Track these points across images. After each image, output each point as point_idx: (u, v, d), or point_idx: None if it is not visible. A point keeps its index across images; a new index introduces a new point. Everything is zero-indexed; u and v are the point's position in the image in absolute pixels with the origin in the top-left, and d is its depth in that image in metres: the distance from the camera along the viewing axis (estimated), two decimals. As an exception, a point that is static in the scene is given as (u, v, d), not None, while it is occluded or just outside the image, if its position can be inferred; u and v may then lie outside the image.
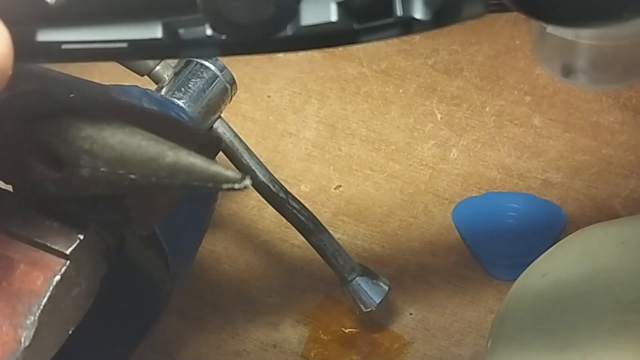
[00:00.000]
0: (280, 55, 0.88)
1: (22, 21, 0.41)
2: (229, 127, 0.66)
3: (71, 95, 0.58)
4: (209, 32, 0.41)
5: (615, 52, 0.83)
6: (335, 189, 0.79)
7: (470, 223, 0.75)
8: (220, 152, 0.63)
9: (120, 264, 0.57)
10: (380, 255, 0.75)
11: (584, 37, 0.80)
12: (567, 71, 0.84)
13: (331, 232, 0.67)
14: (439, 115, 0.82)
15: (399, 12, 0.42)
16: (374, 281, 0.67)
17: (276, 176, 0.66)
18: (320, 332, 0.71)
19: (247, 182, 0.44)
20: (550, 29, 0.80)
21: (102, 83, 0.61)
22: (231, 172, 0.44)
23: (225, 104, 0.66)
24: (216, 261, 0.75)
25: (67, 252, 0.51)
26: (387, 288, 0.68)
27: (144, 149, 0.46)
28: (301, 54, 0.88)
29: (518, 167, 0.79)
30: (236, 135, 0.66)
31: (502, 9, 0.83)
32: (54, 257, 0.51)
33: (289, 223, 0.66)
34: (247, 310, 0.72)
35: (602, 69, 0.84)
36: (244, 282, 0.74)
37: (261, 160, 0.66)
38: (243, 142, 0.66)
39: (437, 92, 0.81)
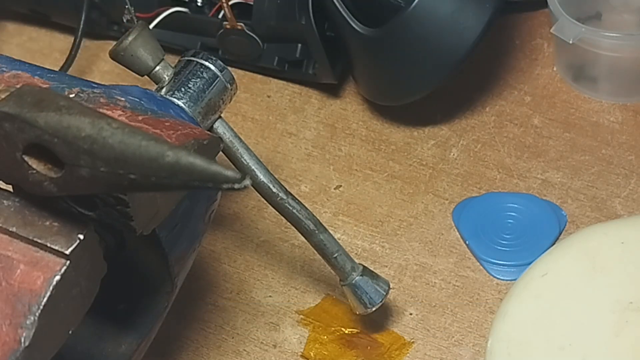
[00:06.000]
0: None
1: None
2: (229, 127, 0.66)
3: (71, 95, 0.59)
4: None
5: (633, 65, 0.82)
6: (335, 189, 0.79)
7: (470, 223, 0.75)
8: (220, 152, 0.63)
9: (120, 264, 0.57)
10: (380, 255, 0.75)
11: (601, 48, 0.80)
12: (577, 76, 0.83)
13: (331, 232, 0.67)
14: (439, 115, 0.82)
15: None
16: (374, 281, 0.67)
17: (276, 176, 0.66)
18: (320, 332, 0.71)
19: (247, 182, 0.44)
20: (554, 29, 0.80)
21: (102, 83, 0.61)
22: (231, 172, 0.44)
23: (225, 104, 0.66)
24: (216, 261, 0.75)
25: (67, 252, 0.51)
26: (387, 288, 0.68)
27: (144, 149, 0.46)
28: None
29: (518, 167, 0.79)
30: (236, 135, 0.66)
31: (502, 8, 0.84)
32: (54, 257, 0.51)
33: (289, 223, 0.66)
34: (247, 310, 0.72)
35: (613, 81, 0.83)
36: (243, 282, 0.74)
37: (261, 160, 0.66)
38: (243, 142, 0.66)
39: (437, 92, 0.81)
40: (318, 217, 0.66)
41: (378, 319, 0.71)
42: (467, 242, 0.75)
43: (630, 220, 0.70)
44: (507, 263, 0.73)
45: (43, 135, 0.48)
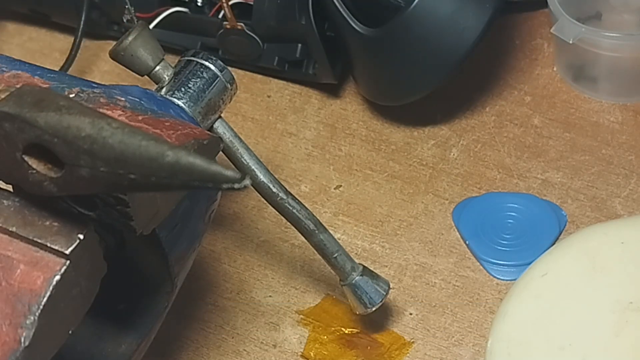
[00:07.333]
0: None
1: None
2: (229, 127, 0.66)
3: (71, 95, 0.59)
4: None
5: (633, 65, 0.82)
6: (335, 189, 0.79)
7: (470, 223, 0.75)
8: (220, 152, 0.63)
9: (120, 264, 0.57)
10: (380, 255, 0.75)
11: (601, 48, 0.80)
12: (577, 76, 0.83)
13: (331, 232, 0.67)
14: (439, 115, 0.82)
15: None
16: (374, 281, 0.67)
17: (276, 176, 0.66)
18: (320, 332, 0.71)
19: (247, 182, 0.44)
20: (554, 29, 0.80)
21: (102, 83, 0.61)
22: (231, 172, 0.44)
23: (226, 104, 0.66)
24: (216, 261, 0.75)
25: (67, 252, 0.51)
26: (387, 288, 0.68)
27: (144, 149, 0.46)
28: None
29: (518, 167, 0.79)
30: (236, 135, 0.66)
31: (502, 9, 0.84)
32: (54, 257, 0.51)
33: (289, 223, 0.66)
34: (247, 310, 0.72)
35: (613, 81, 0.83)
36: (243, 282, 0.74)
37: (261, 160, 0.66)
38: (243, 142, 0.66)
39: (437, 92, 0.81)
40: (318, 217, 0.66)
41: (378, 319, 0.71)
42: (467, 242, 0.75)
43: (630, 220, 0.70)
44: (507, 263, 0.73)
45: (43, 135, 0.48)
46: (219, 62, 0.65)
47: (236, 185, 0.44)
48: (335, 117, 0.83)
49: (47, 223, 0.52)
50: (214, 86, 0.65)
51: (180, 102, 0.63)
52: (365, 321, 0.71)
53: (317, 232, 0.66)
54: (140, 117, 0.57)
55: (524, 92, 0.84)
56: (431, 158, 0.80)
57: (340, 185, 0.79)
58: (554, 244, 0.73)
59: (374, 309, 0.67)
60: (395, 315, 0.71)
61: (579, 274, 0.64)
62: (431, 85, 0.78)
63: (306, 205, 0.66)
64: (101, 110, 0.56)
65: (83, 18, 0.84)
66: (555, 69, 0.85)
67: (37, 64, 0.61)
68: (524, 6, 0.88)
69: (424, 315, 0.71)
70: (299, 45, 0.82)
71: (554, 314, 0.63)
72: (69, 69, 0.84)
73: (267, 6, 0.80)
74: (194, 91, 0.64)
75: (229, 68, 0.66)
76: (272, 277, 0.74)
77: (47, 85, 0.59)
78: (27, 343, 0.50)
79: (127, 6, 0.72)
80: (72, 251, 0.51)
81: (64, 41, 0.90)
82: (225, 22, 0.82)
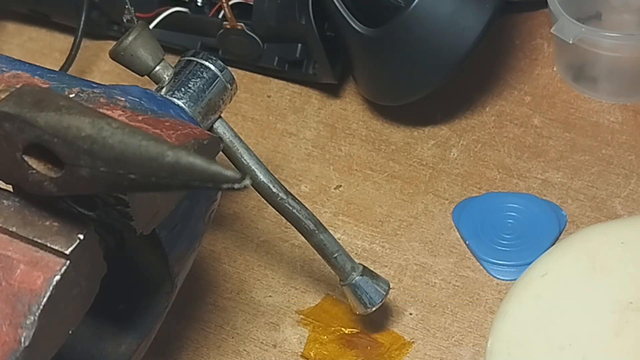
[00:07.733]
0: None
1: None
2: (229, 127, 0.66)
3: (71, 95, 0.59)
4: None
5: (633, 65, 0.82)
6: (335, 189, 0.79)
7: (470, 223, 0.75)
8: (220, 152, 0.63)
9: (120, 264, 0.57)
10: (380, 255, 0.75)
11: (601, 48, 0.80)
12: (577, 76, 0.83)
13: (331, 232, 0.67)
14: (439, 115, 0.82)
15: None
16: (374, 281, 0.67)
17: (276, 176, 0.66)
18: (320, 332, 0.71)
19: (247, 182, 0.44)
20: (554, 29, 0.80)
21: (102, 83, 0.61)
22: (231, 172, 0.44)
23: (226, 104, 0.66)
24: (216, 261, 0.75)
25: (67, 252, 0.51)
26: (387, 288, 0.68)
27: (144, 149, 0.46)
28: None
29: (518, 167, 0.79)
30: (236, 135, 0.66)
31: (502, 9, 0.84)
32: (54, 257, 0.51)
33: (289, 223, 0.66)
34: (247, 310, 0.72)
35: (613, 81, 0.83)
36: (243, 282, 0.74)
37: (261, 160, 0.66)
38: (243, 142, 0.66)
39: (437, 92, 0.81)
40: (318, 217, 0.66)
41: (378, 319, 0.71)
42: (467, 242, 0.75)
43: (630, 220, 0.70)
44: (507, 263, 0.73)
45: (43, 135, 0.48)
46: (219, 62, 0.65)
47: (236, 185, 0.44)
48: (335, 117, 0.83)
49: (47, 223, 0.52)
50: (214, 86, 0.65)
51: (180, 102, 0.63)
52: (365, 321, 0.71)
53: (317, 232, 0.66)
54: (140, 117, 0.57)
55: (524, 92, 0.84)
56: (431, 158, 0.80)
57: (340, 185, 0.79)
58: (554, 244, 0.73)
59: (374, 309, 0.67)
60: (395, 315, 0.71)
61: (579, 274, 0.64)
62: (431, 85, 0.78)
63: (306, 205, 0.66)
64: (101, 110, 0.56)
65: (83, 18, 0.84)
66: (555, 69, 0.85)
67: (37, 64, 0.61)
68: (524, 6, 0.88)
69: (424, 315, 0.71)
70: (299, 45, 0.82)
71: (554, 314, 0.63)
72: (69, 69, 0.84)
73: (267, 6, 0.80)
74: (194, 91, 0.64)
75: (229, 68, 0.66)
76: (272, 277, 0.74)
77: (47, 85, 0.59)
78: (27, 343, 0.50)
79: (127, 6, 0.72)
80: (72, 251, 0.51)
81: (64, 41, 0.90)
82: (225, 22, 0.82)
